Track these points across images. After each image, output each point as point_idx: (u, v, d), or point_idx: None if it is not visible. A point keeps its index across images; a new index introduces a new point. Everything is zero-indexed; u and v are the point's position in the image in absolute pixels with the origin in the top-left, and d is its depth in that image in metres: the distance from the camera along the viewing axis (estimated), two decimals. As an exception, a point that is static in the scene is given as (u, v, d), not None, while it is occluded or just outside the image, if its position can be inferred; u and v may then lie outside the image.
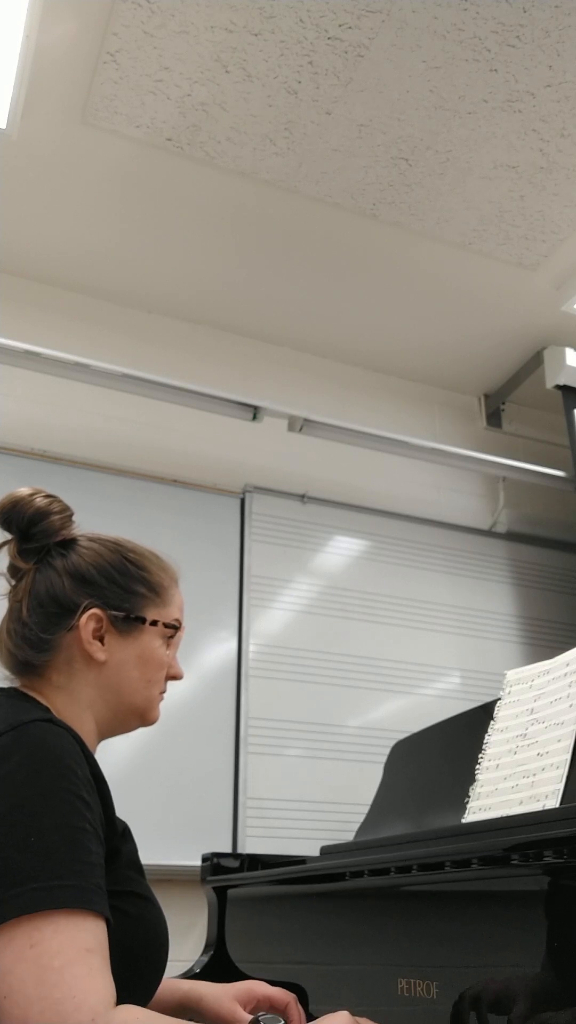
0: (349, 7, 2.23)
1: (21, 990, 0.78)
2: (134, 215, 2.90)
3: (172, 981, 1.19)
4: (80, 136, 2.61)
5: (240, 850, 2.64)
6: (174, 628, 1.17)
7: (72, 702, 1.08)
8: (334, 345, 3.54)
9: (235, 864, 1.73)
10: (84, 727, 1.07)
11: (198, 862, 1.75)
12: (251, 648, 2.93)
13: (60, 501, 1.15)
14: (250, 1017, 1.10)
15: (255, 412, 3.06)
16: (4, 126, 2.49)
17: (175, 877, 2.47)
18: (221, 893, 1.64)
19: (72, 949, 0.81)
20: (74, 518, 1.16)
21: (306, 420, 3.13)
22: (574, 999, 0.82)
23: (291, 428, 3.16)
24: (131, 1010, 0.83)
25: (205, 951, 1.61)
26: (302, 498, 3.27)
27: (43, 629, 1.08)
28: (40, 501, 1.12)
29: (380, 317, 3.39)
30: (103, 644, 1.10)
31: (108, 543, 1.15)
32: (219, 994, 1.14)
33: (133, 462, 3.02)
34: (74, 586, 1.10)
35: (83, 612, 1.08)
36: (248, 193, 2.81)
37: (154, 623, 1.14)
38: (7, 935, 0.81)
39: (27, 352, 2.75)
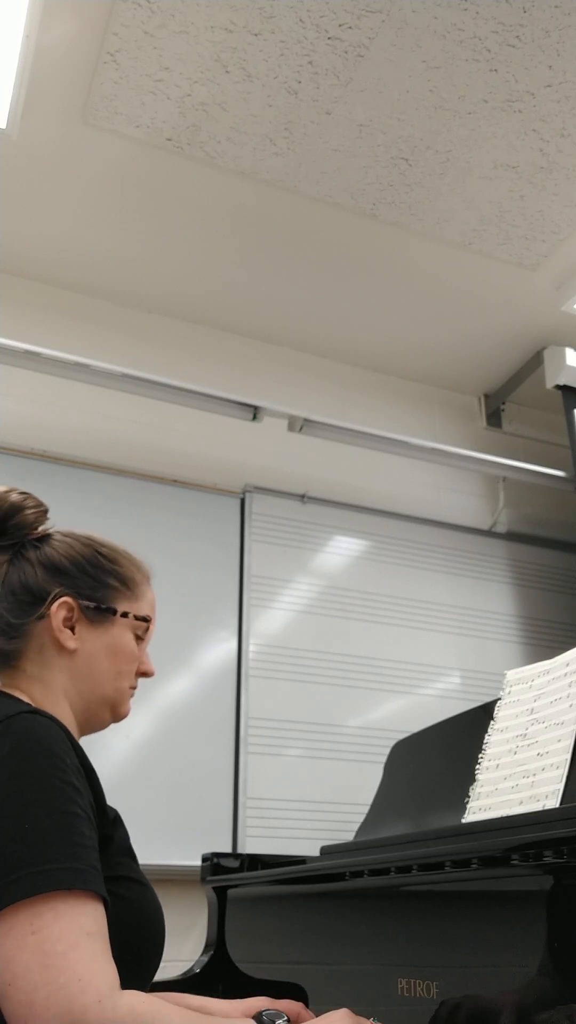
0: (349, 7, 2.23)
1: (26, 976, 0.79)
2: (134, 215, 2.90)
3: (182, 996, 1.19)
4: (80, 136, 2.61)
5: (240, 850, 2.64)
6: (145, 622, 1.18)
7: (48, 692, 1.10)
8: (334, 345, 3.54)
9: (235, 864, 1.73)
10: (64, 717, 1.09)
11: (198, 862, 1.75)
12: (251, 648, 2.93)
13: (34, 498, 1.19)
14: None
15: (255, 412, 3.06)
16: (4, 126, 2.49)
17: (175, 877, 2.47)
18: (221, 893, 1.64)
19: (74, 933, 0.81)
20: (49, 515, 1.19)
21: (306, 420, 3.13)
22: (574, 999, 0.82)
23: (291, 428, 3.16)
24: (137, 995, 0.83)
25: (205, 951, 1.61)
26: (302, 498, 3.27)
27: (14, 615, 1.10)
28: (15, 497, 1.16)
29: (380, 317, 3.39)
30: (74, 633, 1.12)
31: (81, 538, 1.19)
32: (228, 1010, 1.15)
33: (133, 462, 3.02)
34: (46, 575, 1.13)
35: (54, 600, 1.11)
36: (248, 193, 2.81)
37: (124, 615, 1.16)
38: (7, 922, 0.82)
39: (27, 352, 2.75)
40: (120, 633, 1.15)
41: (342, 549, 3.28)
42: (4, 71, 2.34)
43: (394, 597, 3.25)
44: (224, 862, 1.73)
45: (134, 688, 1.18)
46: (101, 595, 1.15)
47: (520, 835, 0.92)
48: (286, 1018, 0.96)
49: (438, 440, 3.50)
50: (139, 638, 1.18)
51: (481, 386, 3.82)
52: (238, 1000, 1.17)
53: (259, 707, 2.86)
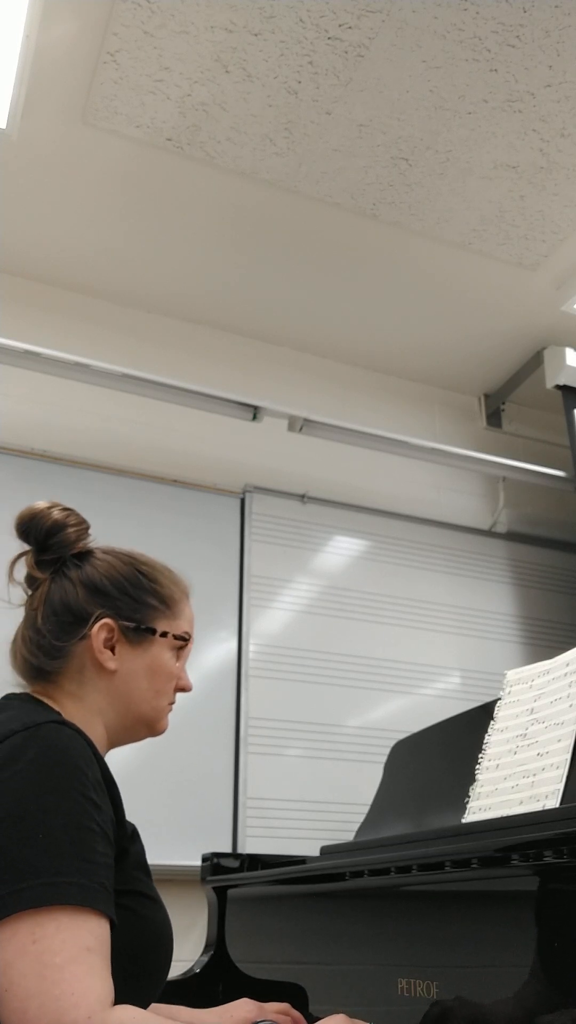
0: (349, 7, 2.23)
1: (22, 984, 0.80)
2: (134, 215, 2.90)
3: (175, 1009, 1.19)
4: (80, 136, 2.61)
5: (240, 850, 2.64)
6: (184, 640, 1.19)
7: (83, 708, 1.10)
8: (334, 345, 3.54)
9: (235, 864, 1.73)
10: (94, 733, 1.09)
11: (198, 862, 1.75)
12: (251, 648, 2.93)
13: (76, 514, 1.19)
14: None
15: (255, 412, 3.06)
16: (4, 126, 2.49)
17: (175, 877, 2.47)
18: (221, 893, 1.64)
19: (74, 947, 0.82)
20: (90, 531, 1.19)
21: (306, 420, 3.13)
22: (574, 1000, 0.82)
23: (291, 428, 3.16)
24: (127, 1010, 0.84)
25: (205, 951, 1.62)
26: (302, 498, 3.27)
27: (56, 637, 1.10)
28: (57, 514, 1.16)
29: (380, 317, 3.39)
30: (114, 653, 1.12)
31: (122, 556, 1.19)
32: (225, 1019, 1.15)
33: (133, 462, 3.02)
34: (87, 596, 1.13)
35: (95, 621, 1.11)
36: (248, 193, 2.81)
37: (164, 635, 1.16)
38: (11, 929, 0.82)
39: (27, 352, 2.75)
40: (159, 652, 1.15)
41: (342, 549, 3.27)
42: (4, 71, 2.34)
43: (394, 597, 3.25)
44: (224, 862, 1.73)
45: (172, 704, 1.19)
46: (141, 616, 1.15)
47: (520, 835, 0.92)
48: None
49: (438, 440, 3.50)
50: (177, 654, 1.18)
51: (481, 386, 3.82)
52: (222, 1007, 1.16)
53: (259, 707, 2.86)
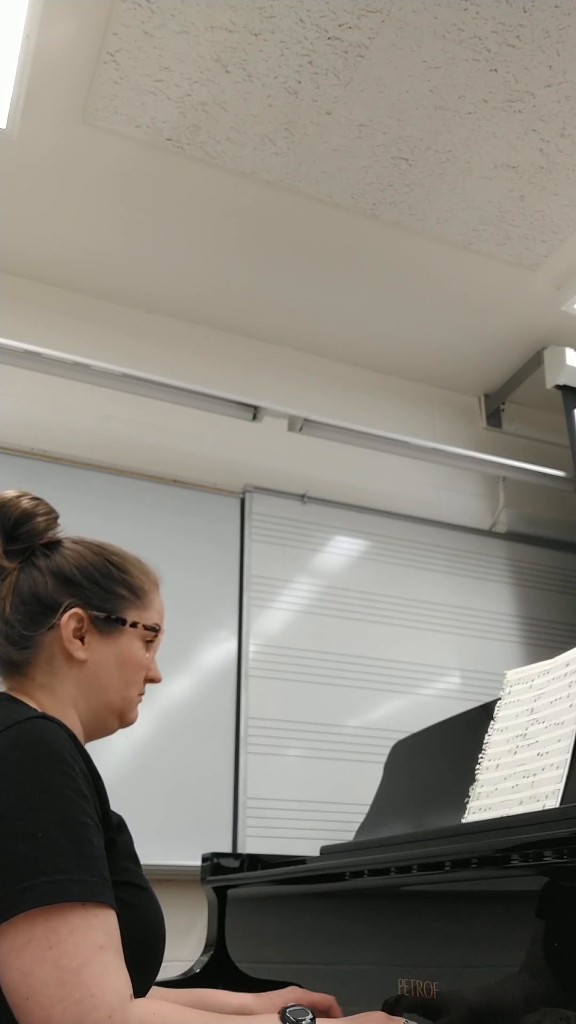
0: (349, 7, 2.23)
1: (43, 991, 0.82)
2: (134, 215, 2.90)
3: (222, 994, 1.21)
4: (80, 136, 2.61)
5: (240, 850, 2.64)
6: (153, 631, 1.19)
7: (56, 700, 1.10)
8: (334, 345, 3.54)
9: (235, 864, 1.73)
10: (71, 724, 1.09)
11: (198, 862, 1.75)
12: (251, 648, 2.93)
13: (46, 504, 1.18)
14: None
15: (255, 412, 3.06)
16: (4, 126, 2.49)
17: (175, 877, 2.47)
18: (221, 893, 1.64)
19: (87, 948, 0.84)
20: (59, 521, 1.19)
21: (306, 420, 3.13)
22: (574, 999, 0.82)
23: (291, 428, 3.16)
24: (148, 1004, 0.87)
25: (205, 951, 1.61)
26: (302, 498, 3.26)
27: (25, 627, 1.10)
28: (26, 503, 1.15)
29: (380, 317, 3.39)
30: (84, 643, 1.12)
31: (92, 546, 1.18)
32: (265, 1006, 1.16)
33: (133, 462, 3.02)
34: (57, 586, 1.12)
35: (64, 611, 1.11)
36: (248, 193, 2.81)
37: (134, 625, 1.16)
38: (25, 934, 0.83)
39: (27, 352, 2.75)
40: (129, 643, 1.15)
41: (342, 549, 3.27)
42: (4, 71, 2.34)
43: (394, 597, 3.25)
44: (224, 862, 1.73)
45: (142, 695, 1.19)
46: (111, 605, 1.14)
47: (520, 835, 0.92)
48: (311, 1016, 0.96)
49: (438, 440, 3.50)
50: (147, 645, 1.18)
51: (481, 386, 3.82)
52: (269, 993, 1.17)
53: (259, 707, 2.86)
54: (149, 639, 1.18)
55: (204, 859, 1.74)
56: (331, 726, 2.95)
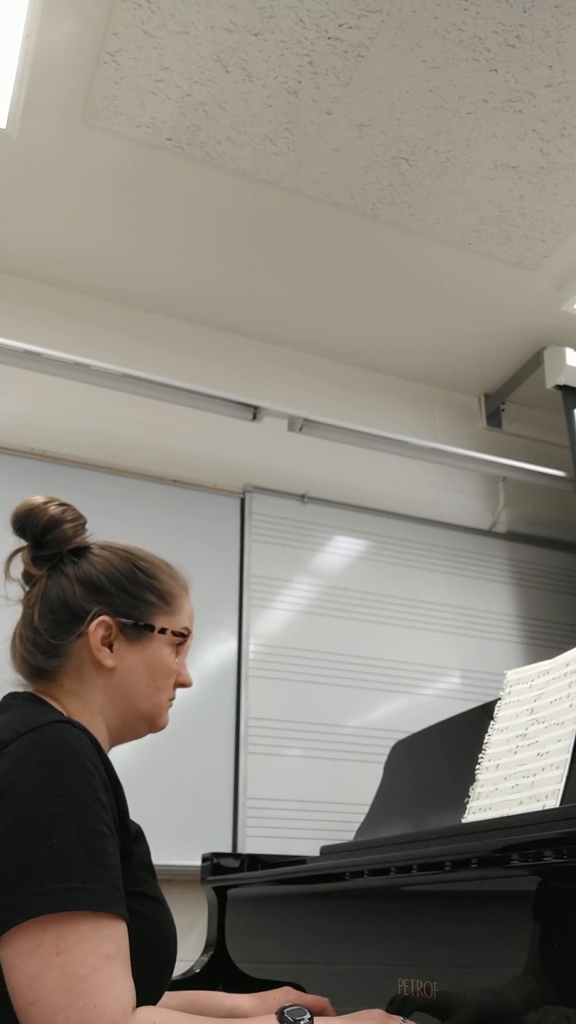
0: (349, 7, 2.23)
1: (48, 997, 0.82)
2: (134, 215, 2.90)
3: (214, 995, 1.21)
4: (80, 136, 2.60)
5: (240, 850, 2.64)
6: (183, 636, 1.18)
7: (83, 707, 1.09)
8: (334, 345, 3.54)
9: (235, 864, 1.73)
10: (97, 731, 1.08)
11: (198, 862, 1.75)
12: (251, 648, 2.93)
13: (73, 509, 1.17)
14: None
15: (255, 412, 3.06)
16: (4, 126, 2.49)
17: (175, 877, 2.47)
18: (221, 893, 1.64)
19: (95, 957, 0.84)
20: (87, 526, 1.18)
21: (306, 420, 3.13)
22: (574, 999, 0.82)
23: (291, 428, 3.16)
24: (148, 1012, 0.86)
25: (205, 951, 1.61)
26: (302, 498, 3.27)
27: (53, 635, 1.09)
28: (54, 509, 1.14)
29: (380, 317, 3.39)
30: (112, 651, 1.11)
31: (119, 551, 1.17)
32: (258, 1007, 1.16)
33: (133, 462, 3.02)
34: (84, 593, 1.11)
35: (92, 619, 1.10)
36: (248, 193, 2.81)
37: (163, 631, 1.15)
38: (35, 939, 0.83)
39: (27, 352, 2.75)
40: (158, 649, 1.14)
41: (342, 549, 3.27)
42: (4, 71, 2.34)
43: (394, 597, 3.25)
44: (224, 862, 1.73)
45: (172, 700, 1.18)
46: (139, 612, 1.13)
47: (520, 835, 0.92)
48: (309, 1015, 0.96)
49: (438, 440, 3.50)
50: (177, 649, 1.17)
51: (481, 386, 3.82)
52: (263, 992, 1.18)
53: (259, 707, 2.86)
54: (178, 644, 1.17)
55: (204, 859, 1.73)
56: (331, 726, 2.95)
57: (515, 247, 3.02)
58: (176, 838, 2.57)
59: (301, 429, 3.15)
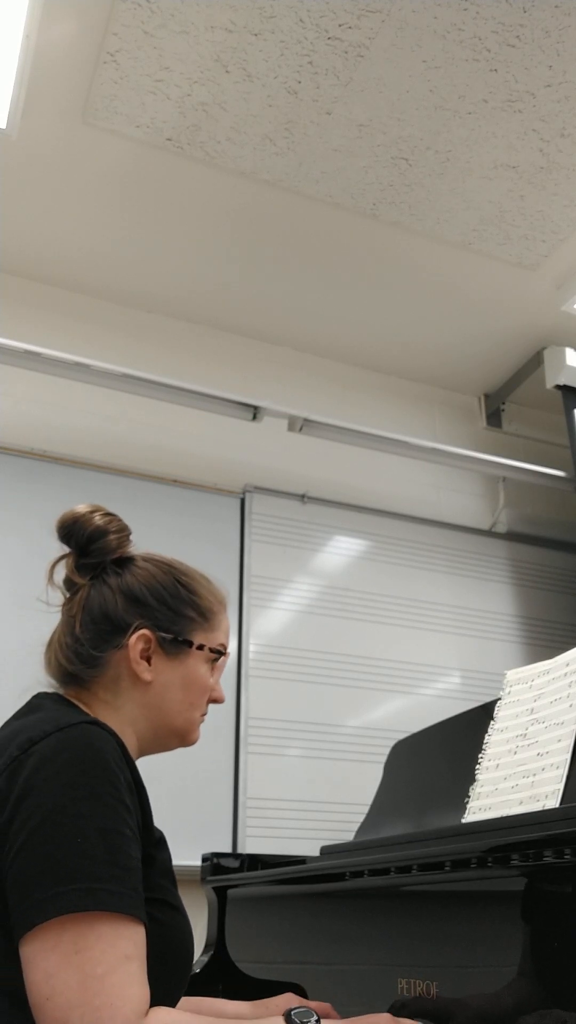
0: (349, 7, 2.23)
1: (64, 994, 0.82)
2: (134, 215, 2.90)
3: (216, 1002, 1.21)
4: (80, 136, 2.61)
5: (240, 850, 2.64)
6: (219, 653, 1.18)
7: (116, 717, 1.10)
8: (334, 345, 3.54)
9: (235, 864, 1.73)
10: (127, 741, 1.08)
11: (198, 862, 1.75)
12: (251, 648, 2.93)
13: (119, 520, 1.18)
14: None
15: (255, 412, 3.06)
16: (4, 126, 2.49)
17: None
18: (221, 893, 1.64)
19: (113, 957, 0.84)
20: (131, 537, 1.18)
21: (306, 420, 3.13)
22: (574, 999, 0.82)
23: (291, 428, 3.16)
24: (160, 1013, 0.86)
25: (205, 951, 1.61)
26: (302, 498, 3.26)
27: (94, 646, 1.10)
28: (99, 519, 1.15)
29: (380, 317, 3.39)
30: (150, 664, 1.11)
31: (162, 564, 1.17)
32: (262, 1012, 1.16)
33: (133, 462, 3.02)
34: (126, 605, 1.12)
35: (133, 632, 1.10)
36: (248, 193, 2.81)
37: (200, 647, 1.15)
38: (53, 937, 0.84)
39: (27, 352, 2.75)
40: (195, 665, 1.14)
41: (342, 549, 3.27)
42: (4, 71, 2.34)
43: (394, 597, 3.25)
44: (224, 862, 1.73)
45: (204, 715, 1.18)
46: (179, 627, 1.14)
47: (520, 835, 0.92)
48: (316, 1018, 0.96)
49: (438, 440, 3.50)
50: (212, 666, 1.17)
51: (481, 386, 3.82)
52: (265, 1000, 1.17)
53: (259, 707, 2.86)
54: (214, 660, 1.17)
55: (204, 859, 1.74)
56: (331, 726, 2.95)
57: (515, 247, 3.02)
58: (176, 838, 2.54)
59: (301, 429, 3.15)
